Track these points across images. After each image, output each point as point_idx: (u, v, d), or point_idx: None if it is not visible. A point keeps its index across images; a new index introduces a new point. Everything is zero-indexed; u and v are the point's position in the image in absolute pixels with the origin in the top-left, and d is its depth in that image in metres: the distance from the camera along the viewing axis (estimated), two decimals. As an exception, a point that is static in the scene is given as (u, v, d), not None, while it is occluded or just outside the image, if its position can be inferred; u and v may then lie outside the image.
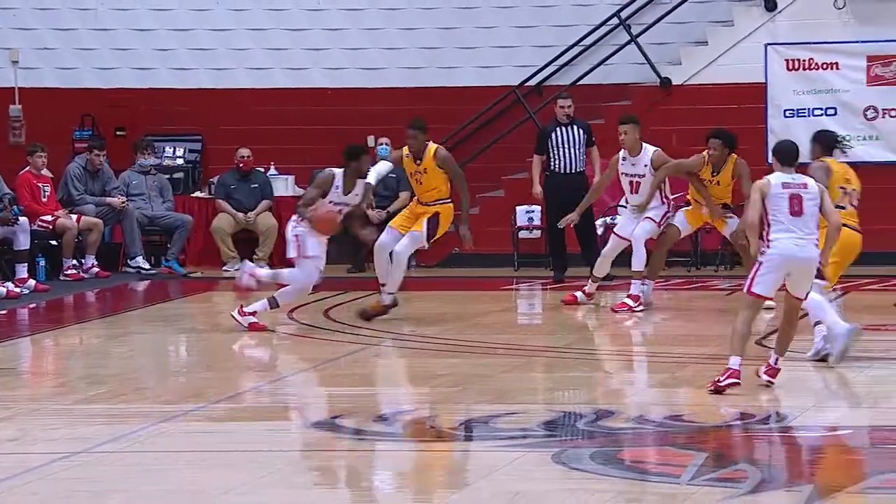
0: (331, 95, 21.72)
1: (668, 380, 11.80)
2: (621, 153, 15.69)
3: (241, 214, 19.67)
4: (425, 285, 18.31)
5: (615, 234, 15.87)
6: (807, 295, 10.90)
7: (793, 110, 19.85)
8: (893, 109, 19.70)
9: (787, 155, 10.94)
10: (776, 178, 10.74)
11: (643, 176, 15.08)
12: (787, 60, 20.45)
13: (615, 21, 20.96)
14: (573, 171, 18.48)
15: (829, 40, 20.26)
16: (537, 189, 18.37)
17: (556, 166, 18.36)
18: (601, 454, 9.40)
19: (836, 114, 19.99)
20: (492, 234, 19.86)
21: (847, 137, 17.67)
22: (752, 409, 10.68)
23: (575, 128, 18.57)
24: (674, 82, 20.58)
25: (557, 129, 18.56)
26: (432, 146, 14.80)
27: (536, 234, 20.49)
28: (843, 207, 12.29)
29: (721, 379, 10.42)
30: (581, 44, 21.08)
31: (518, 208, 20.49)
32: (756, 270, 10.73)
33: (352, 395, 11.60)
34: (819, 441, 10.32)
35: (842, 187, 12.41)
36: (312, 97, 21.68)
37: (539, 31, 21.97)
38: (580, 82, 20.89)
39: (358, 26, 22.27)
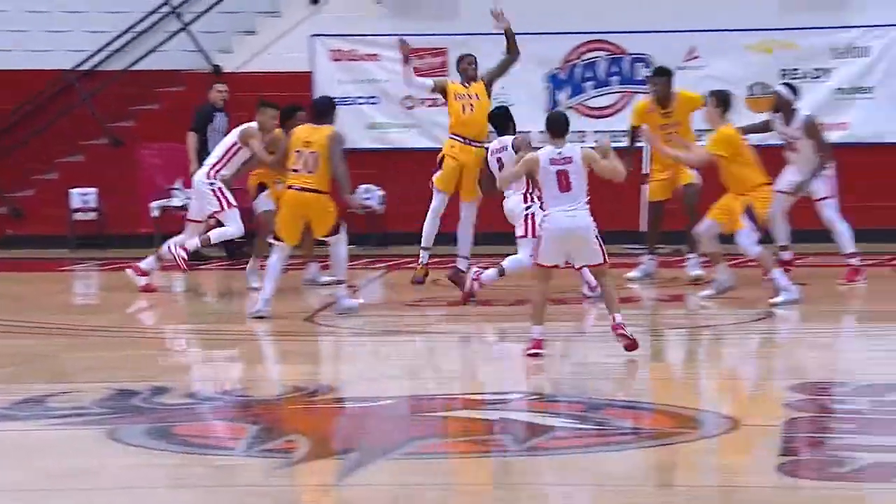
0: None
1: (222, 356, 11.80)
2: None
3: None
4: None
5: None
6: (602, 259, 10.97)
7: (337, 98, 19.93)
8: (429, 99, 19.92)
9: (556, 127, 10.93)
10: (545, 155, 10.75)
11: None
12: (331, 51, 20.69)
13: (167, 8, 20.87)
14: None
15: (370, 33, 20.54)
16: (195, 167, 17.90)
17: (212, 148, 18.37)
18: (157, 430, 9.31)
19: (377, 103, 20.39)
20: (47, 217, 19.60)
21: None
22: (303, 382, 10.78)
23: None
24: (225, 70, 20.58)
25: (215, 112, 18.48)
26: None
27: (92, 215, 20.18)
28: (296, 170, 12.92)
29: (529, 348, 10.70)
30: (133, 30, 20.84)
31: (72, 191, 20.21)
32: (537, 244, 10.90)
33: None
34: (363, 411, 10.54)
35: (298, 150, 13.03)
36: None
37: (91, 16, 21.53)
38: (133, 67, 20.70)
39: None
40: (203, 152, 17.35)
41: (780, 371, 11.38)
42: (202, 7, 20.75)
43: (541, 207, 11.28)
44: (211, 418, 9.79)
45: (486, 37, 19.91)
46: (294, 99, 18.77)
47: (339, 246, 13.52)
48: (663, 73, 16.35)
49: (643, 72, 19.97)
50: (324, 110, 13.45)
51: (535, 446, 9.22)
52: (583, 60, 20.67)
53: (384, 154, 19.67)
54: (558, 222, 10.78)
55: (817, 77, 20.05)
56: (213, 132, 17.86)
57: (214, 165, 14.74)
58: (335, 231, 13.38)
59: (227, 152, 14.93)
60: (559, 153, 10.77)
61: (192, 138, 17.91)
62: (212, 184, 14.48)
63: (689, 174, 15.86)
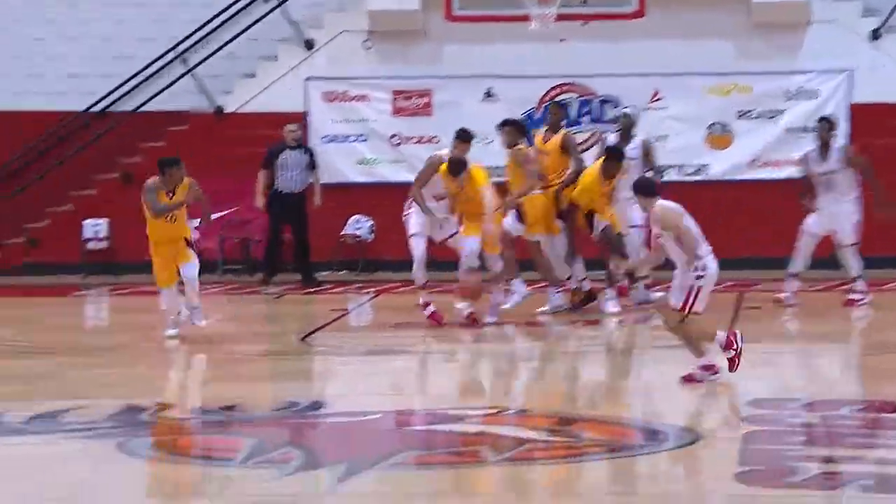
0: None
1: (223, 374, 11.84)
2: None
3: None
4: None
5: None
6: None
7: (330, 136, 20.31)
8: (414, 137, 20.33)
9: None
10: None
11: None
12: (323, 93, 20.77)
13: (174, 54, 20.98)
14: (295, 190, 18.94)
15: (360, 76, 20.74)
16: (261, 201, 18.63)
17: (280, 185, 18.94)
18: (162, 443, 9.34)
19: (366, 140, 20.54)
20: (61, 246, 19.72)
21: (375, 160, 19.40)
22: (297, 397, 10.82)
23: (301, 151, 19.02)
24: (227, 110, 20.68)
25: (285, 150, 18.95)
26: None
27: (103, 244, 20.34)
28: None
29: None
30: (143, 73, 20.93)
31: (85, 222, 20.33)
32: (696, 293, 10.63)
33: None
34: (353, 425, 10.51)
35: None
36: None
37: (104, 60, 21.64)
38: (142, 109, 20.75)
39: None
40: (271, 187, 18.19)
41: (739, 387, 11.43)
42: (206, 52, 20.91)
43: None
44: (212, 432, 9.82)
45: (467, 80, 20.79)
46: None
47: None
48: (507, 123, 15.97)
49: (611, 112, 19.84)
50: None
51: (512, 457, 9.31)
52: (554, 100, 19.99)
53: (373, 187, 19.77)
54: None
55: (771, 117, 20.25)
56: (283, 169, 18.50)
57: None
58: None
59: None
60: None
61: (261, 175, 18.44)
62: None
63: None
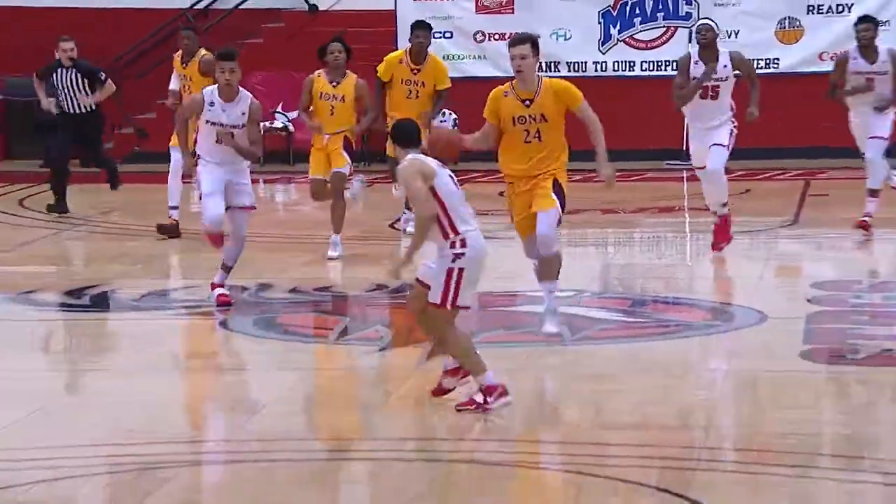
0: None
1: (319, 258, 11.90)
2: None
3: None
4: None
5: None
6: None
7: None
8: (497, 33, 19.81)
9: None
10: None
11: None
12: None
13: None
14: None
15: None
16: None
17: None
18: (263, 321, 9.44)
19: (451, 37, 20.17)
20: (167, 136, 20.11)
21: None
22: (385, 280, 10.68)
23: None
24: (320, 7, 20.40)
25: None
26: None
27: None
28: None
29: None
30: None
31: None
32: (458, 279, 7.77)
33: (46, 273, 11.44)
34: None
35: None
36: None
37: None
38: (241, 6, 20.54)
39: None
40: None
41: (804, 270, 11.42)
42: None
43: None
44: (308, 311, 9.91)
45: None
46: (379, 35, 18.59)
47: None
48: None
49: (685, 8, 19.57)
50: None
51: (588, 336, 9.36)
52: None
53: (457, 82, 19.39)
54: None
55: (840, 12, 19.77)
56: None
57: None
58: None
59: None
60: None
61: None
62: None
63: None
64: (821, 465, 7.08)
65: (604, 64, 20.04)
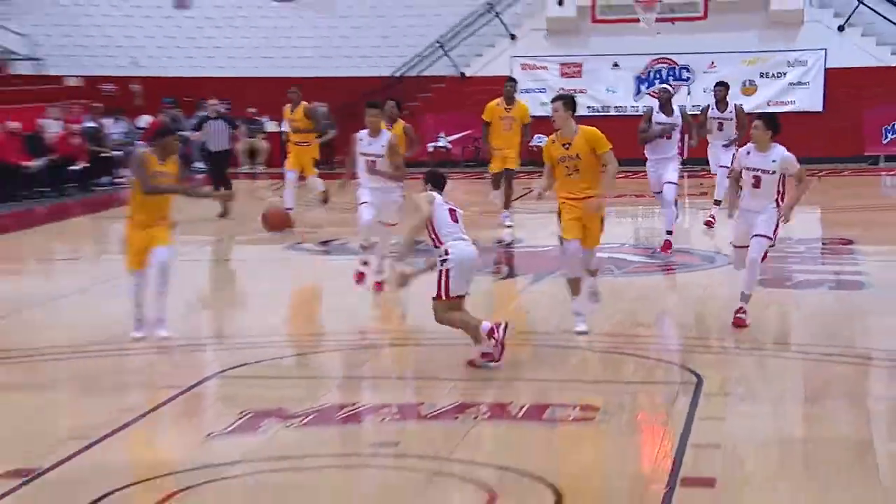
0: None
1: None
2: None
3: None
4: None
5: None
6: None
7: (524, 90, 21.38)
8: (572, 88, 22.41)
9: (437, 182, 8.69)
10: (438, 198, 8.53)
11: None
12: (521, 64, 23.96)
13: (437, 42, 24.37)
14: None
15: (541, 55, 24.00)
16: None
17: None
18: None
19: (545, 91, 22.72)
20: None
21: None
22: (504, 237, 11.96)
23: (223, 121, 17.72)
24: (467, 74, 24.33)
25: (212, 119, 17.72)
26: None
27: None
28: None
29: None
30: (419, 55, 24.79)
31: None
32: (447, 278, 8.47)
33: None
34: (536, 253, 12.65)
35: None
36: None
37: (394, 40, 25.43)
38: (420, 74, 24.62)
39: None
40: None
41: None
42: (455, 42, 25.14)
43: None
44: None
45: (602, 57, 24.37)
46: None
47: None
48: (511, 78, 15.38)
49: (685, 74, 24.38)
50: None
51: (627, 271, 11.32)
52: (654, 68, 24.75)
53: (544, 119, 14.65)
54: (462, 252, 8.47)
55: (777, 76, 24.30)
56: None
57: None
58: None
59: None
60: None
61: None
62: None
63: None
64: (767, 347, 8.89)
65: (636, 107, 23.84)
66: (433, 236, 8.32)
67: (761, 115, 9.59)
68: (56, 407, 8.25)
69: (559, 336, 9.31)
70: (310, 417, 7.51)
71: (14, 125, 20.38)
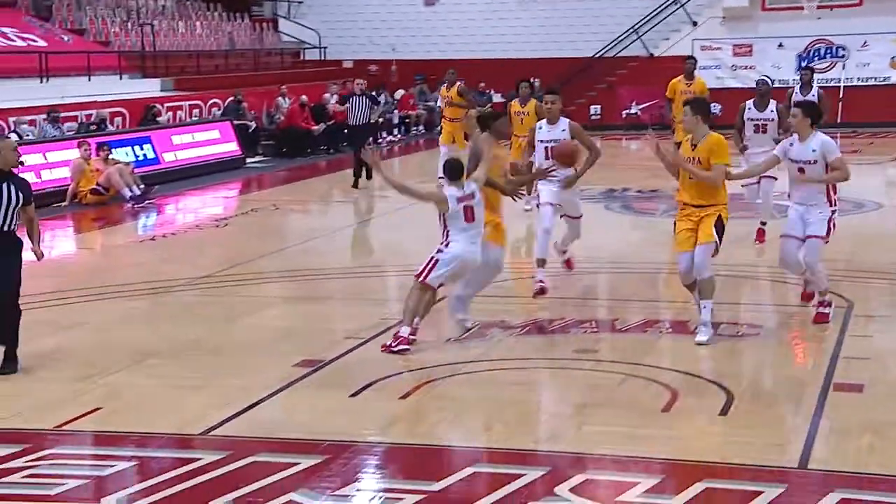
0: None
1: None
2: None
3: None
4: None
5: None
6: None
7: (702, 67, 20.10)
8: (742, 66, 23.12)
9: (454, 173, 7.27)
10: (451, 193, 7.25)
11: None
12: (700, 46, 23.40)
13: (629, 27, 24.17)
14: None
15: (717, 37, 23.48)
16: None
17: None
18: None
19: (720, 67, 23.13)
20: None
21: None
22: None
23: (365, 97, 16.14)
24: (655, 55, 23.90)
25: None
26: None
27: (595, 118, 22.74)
28: None
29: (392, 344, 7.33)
30: (616, 39, 24.55)
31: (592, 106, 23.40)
32: (432, 265, 7.31)
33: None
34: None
35: None
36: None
37: (592, 27, 25.21)
38: (618, 55, 24.38)
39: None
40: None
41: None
42: (646, 28, 24.60)
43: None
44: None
45: (770, 39, 23.70)
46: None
47: None
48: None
49: (841, 52, 23.67)
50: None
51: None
52: (813, 48, 24.18)
53: (718, 91, 19.33)
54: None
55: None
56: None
57: None
58: None
59: None
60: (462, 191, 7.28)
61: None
62: None
63: None
64: (743, 300, 8.45)
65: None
66: (442, 230, 7.27)
67: (800, 104, 8.07)
68: (334, 313, 8.74)
69: (732, 266, 9.29)
70: (526, 328, 7.86)
71: (304, 98, 21.47)
